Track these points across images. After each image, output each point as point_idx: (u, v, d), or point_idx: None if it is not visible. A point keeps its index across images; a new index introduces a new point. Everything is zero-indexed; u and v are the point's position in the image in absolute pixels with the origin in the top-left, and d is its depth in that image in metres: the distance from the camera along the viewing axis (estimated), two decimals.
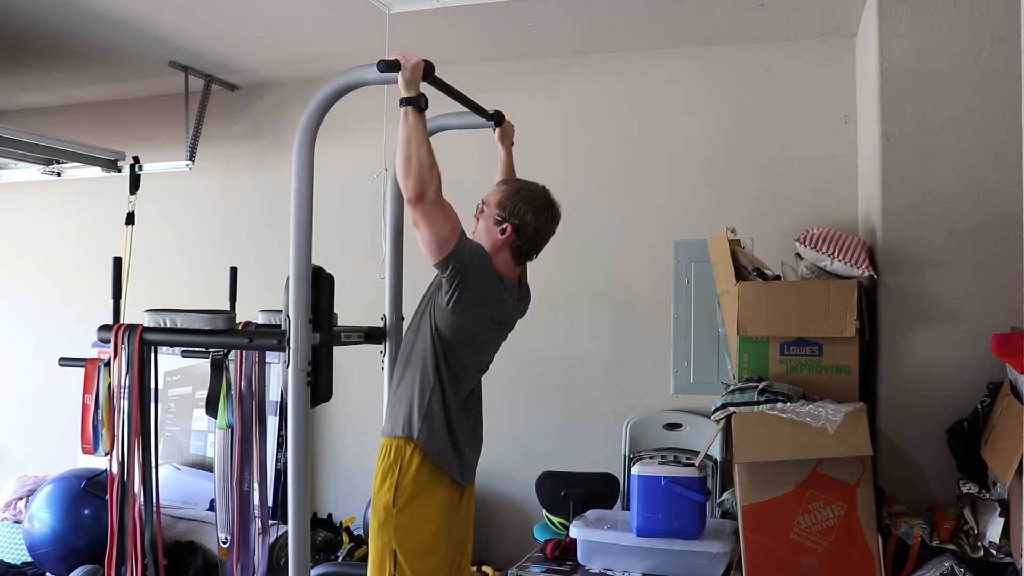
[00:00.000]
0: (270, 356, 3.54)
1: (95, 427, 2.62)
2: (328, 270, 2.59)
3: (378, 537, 2.31)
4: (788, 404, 2.70)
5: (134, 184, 3.94)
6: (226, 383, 2.93)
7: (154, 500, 2.65)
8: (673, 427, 3.77)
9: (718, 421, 2.80)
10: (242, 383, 3.02)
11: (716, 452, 3.38)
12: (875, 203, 3.08)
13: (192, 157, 4.37)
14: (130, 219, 3.85)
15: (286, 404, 2.29)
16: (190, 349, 3.29)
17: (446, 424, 2.33)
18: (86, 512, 3.79)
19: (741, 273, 3.04)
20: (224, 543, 3.07)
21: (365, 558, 3.89)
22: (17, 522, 4.24)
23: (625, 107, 4.05)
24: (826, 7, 3.45)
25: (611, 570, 2.88)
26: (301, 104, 2.35)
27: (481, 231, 2.39)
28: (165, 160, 4.24)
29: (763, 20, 3.60)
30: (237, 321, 2.74)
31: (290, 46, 4.06)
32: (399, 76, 2.17)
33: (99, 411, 2.61)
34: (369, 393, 3.19)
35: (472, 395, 2.48)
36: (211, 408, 2.93)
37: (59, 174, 4.25)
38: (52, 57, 4.15)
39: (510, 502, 4.05)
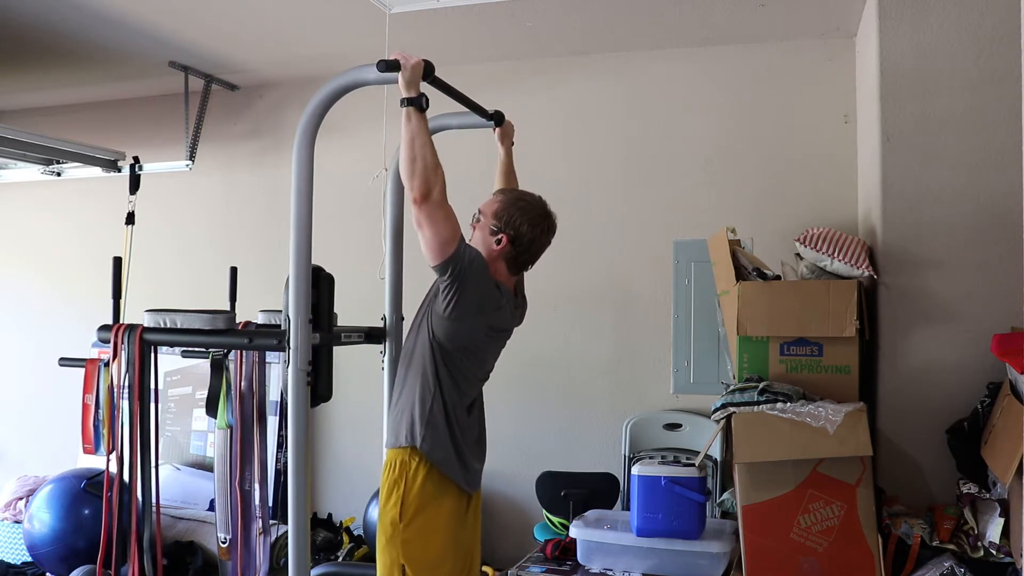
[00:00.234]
0: (270, 356, 3.54)
1: (96, 427, 2.62)
2: (328, 270, 2.59)
3: (386, 552, 2.31)
4: (788, 404, 2.70)
5: (134, 184, 3.94)
6: (226, 383, 2.93)
7: (154, 500, 2.65)
8: (673, 427, 3.77)
9: (718, 421, 2.80)
10: (242, 383, 3.02)
11: (716, 452, 3.38)
12: (875, 203, 3.08)
13: (192, 157, 4.37)
14: (130, 219, 3.85)
15: (286, 404, 2.29)
16: (190, 349, 3.29)
17: (449, 431, 2.33)
18: (86, 512, 3.78)
19: (741, 273, 3.04)
20: (224, 543, 3.07)
21: (365, 558, 3.91)
22: (17, 522, 4.23)
23: (625, 107, 4.05)
24: (826, 7, 3.45)
25: (611, 570, 2.88)
26: (301, 104, 2.35)
27: (477, 241, 2.39)
28: (165, 160, 4.24)
29: (763, 20, 3.60)
30: (237, 321, 2.74)
31: (290, 46, 4.06)
32: (399, 76, 2.17)
33: (100, 411, 2.61)
34: (369, 393, 3.18)
35: (475, 403, 2.48)
36: (211, 408, 2.93)
37: (59, 174, 4.25)
38: (52, 57, 4.15)
39: (510, 502, 4.05)
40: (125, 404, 2.56)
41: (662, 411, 3.84)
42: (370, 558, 3.91)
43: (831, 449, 2.57)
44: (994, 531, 2.52)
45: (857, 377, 2.87)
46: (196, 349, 3.17)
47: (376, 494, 3.88)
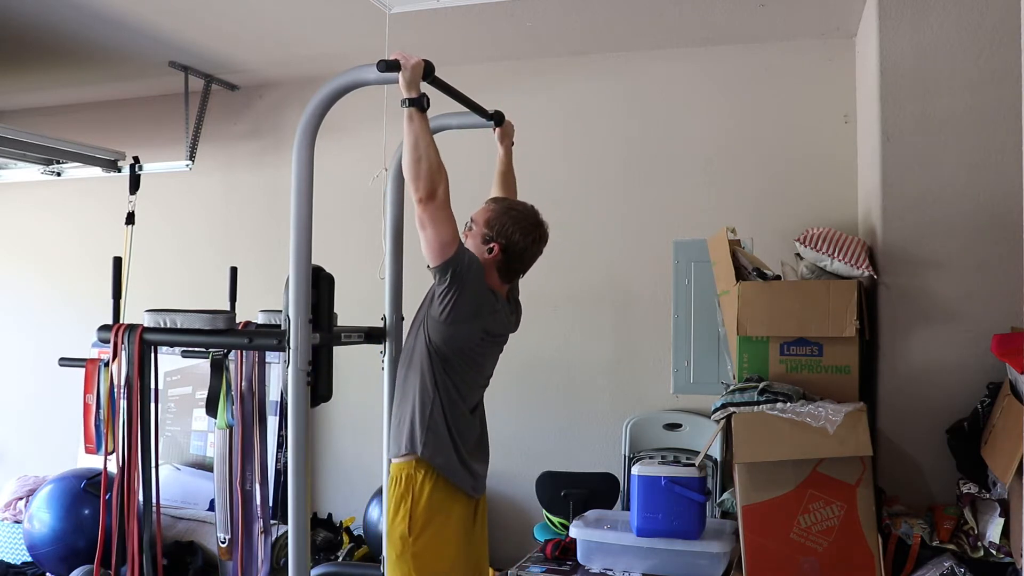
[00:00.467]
0: (270, 356, 3.54)
1: (98, 427, 2.62)
2: (328, 270, 2.59)
3: (396, 568, 2.31)
4: (788, 404, 2.70)
5: (134, 184, 3.94)
6: (226, 383, 2.93)
7: (154, 500, 2.65)
8: (673, 427, 3.77)
9: (718, 421, 2.80)
10: (242, 383, 3.02)
11: (716, 452, 3.38)
12: (875, 203, 3.08)
13: (192, 157, 4.37)
14: (130, 219, 3.85)
15: (286, 404, 2.29)
16: (190, 349, 3.29)
17: (450, 436, 2.34)
18: (86, 512, 3.78)
19: (741, 273, 3.04)
20: (223, 543, 3.07)
21: (365, 558, 3.91)
22: (17, 522, 4.24)
23: (625, 107, 4.05)
24: (826, 7, 3.45)
25: (611, 570, 2.88)
26: (301, 104, 2.35)
27: (469, 249, 2.39)
28: (165, 160, 4.24)
29: (763, 20, 3.60)
30: (237, 321, 2.74)
31: (290, 46, 4.06)
32: (399, 76, 2.18)
33: (101, 411, 2.61)
34: (369, 393, 3.18)
35: (476, 409, 2.49)
36: (211, 408, 2.93)
37: (59, 174, 4.25)
38: (52, 57, 4.15)
39: (510, 502, 4.05)
40: (125, 404, 2.56)
41: (662, 411, 3.84)
42: (370, 558, 3.91)
43: (831, 449, 2.57)
44: (994, 531, 2.52)
45: (857, 377, 2.87)
46: (196, 349, 3.18)
47: (376, 494, 3.90)
